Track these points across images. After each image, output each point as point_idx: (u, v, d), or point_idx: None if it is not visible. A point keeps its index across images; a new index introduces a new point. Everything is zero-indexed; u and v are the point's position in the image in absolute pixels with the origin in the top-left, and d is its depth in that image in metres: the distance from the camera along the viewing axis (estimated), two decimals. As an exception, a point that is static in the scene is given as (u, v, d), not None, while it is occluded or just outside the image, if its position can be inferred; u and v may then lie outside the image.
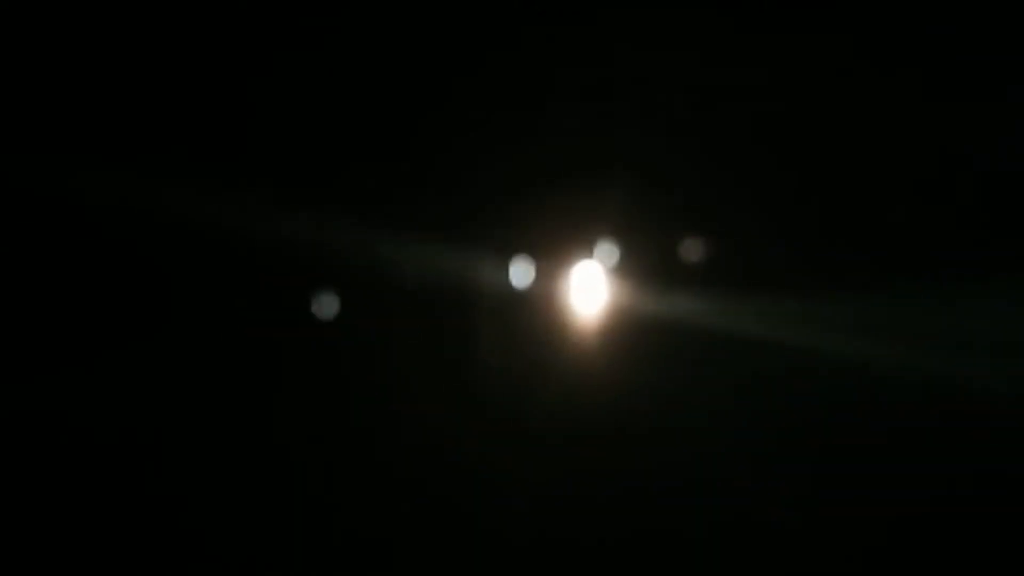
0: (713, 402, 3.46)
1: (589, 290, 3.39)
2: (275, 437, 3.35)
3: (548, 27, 3.17)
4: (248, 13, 3.08)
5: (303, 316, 3.39)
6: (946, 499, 2.80)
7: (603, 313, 3.35)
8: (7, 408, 3.15)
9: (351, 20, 3.13)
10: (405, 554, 2.88)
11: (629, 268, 3.32)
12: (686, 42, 3.14)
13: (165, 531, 2.92)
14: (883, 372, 3.57)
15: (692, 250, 3.37)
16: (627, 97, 3.15)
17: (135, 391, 3.33)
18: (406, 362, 3.33)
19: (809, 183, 3.27)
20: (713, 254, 3.37)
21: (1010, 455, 2.94)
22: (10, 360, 3.09)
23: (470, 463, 3.21)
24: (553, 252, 3.29)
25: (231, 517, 2.94)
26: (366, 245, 3.29)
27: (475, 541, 2.90)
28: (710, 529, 2.83)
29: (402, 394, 3.46)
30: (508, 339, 3.40)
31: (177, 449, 3.25)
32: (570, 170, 3.23)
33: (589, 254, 3.34)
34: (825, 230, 3.35)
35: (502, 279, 3.32)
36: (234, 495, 3.04)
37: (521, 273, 3.31)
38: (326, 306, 3.41)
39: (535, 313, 3.37)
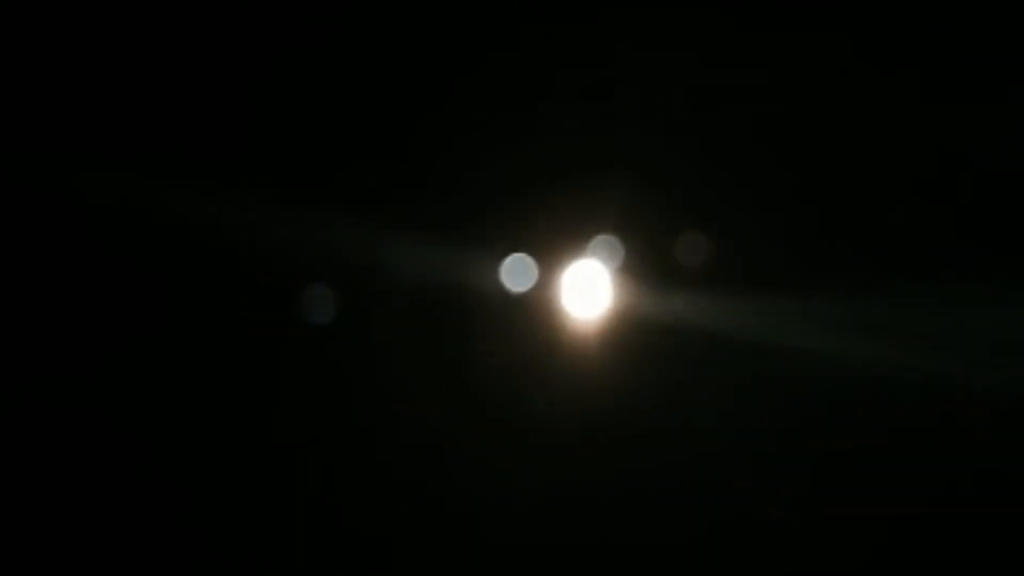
0: (712, 402, 3.46)
1: (588, 290, 3.39)
2: (274, 437, 3.35)
3: (548, 27, 3.16)
4: (246, 13, 3.08)
5: (302, 316, 3.39)
6: (945, 499, 2.81)
7: (602, 313, 3.35)
8: (6, 408, 3.15)
9: (350, 20, 3.13)
10: (404, 555, 2.88)
11: (628, 268, 3.32)
12: (686, 42, 3.14)
13: (165, 531, 2.92)
14: (883, 372, 3.57)
15: (691, 250, 3.37)
16: (627, 97, 3.15)
17: (135, 391, 3.32)
18: (405, 362, 3.33)
19: (808, 183, 3.27)
20: (713, 254, 3.36)
21: (1010, 455, 2.94)
22: (9, 360, 3.09)
23: (469, 464, 3.21)
24: (552, 252, 3.29)
25: (231, 517, 2.94)
26: (365, 245, 3.29)
27: (474, 542, 2.90)
28: (710, 530, 2.83)
29: (401, 394, 3.46)
30: (507, 339, 3.40)
31: (177, 449, 3.25)
32: (569, 170, 3.23)
33: (588, 254, 3.34)
34: (824, 230, 3.35)
35: (501, 279, 3.32)
36: (234, 495, 3.04)
37: (520, 273, 3.31)
38: (324, 306, 3.41)
39: (535, 313, 3.36)
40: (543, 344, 3.35)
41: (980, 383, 3.16)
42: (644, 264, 3.33)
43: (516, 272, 3.30)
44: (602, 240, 3.31)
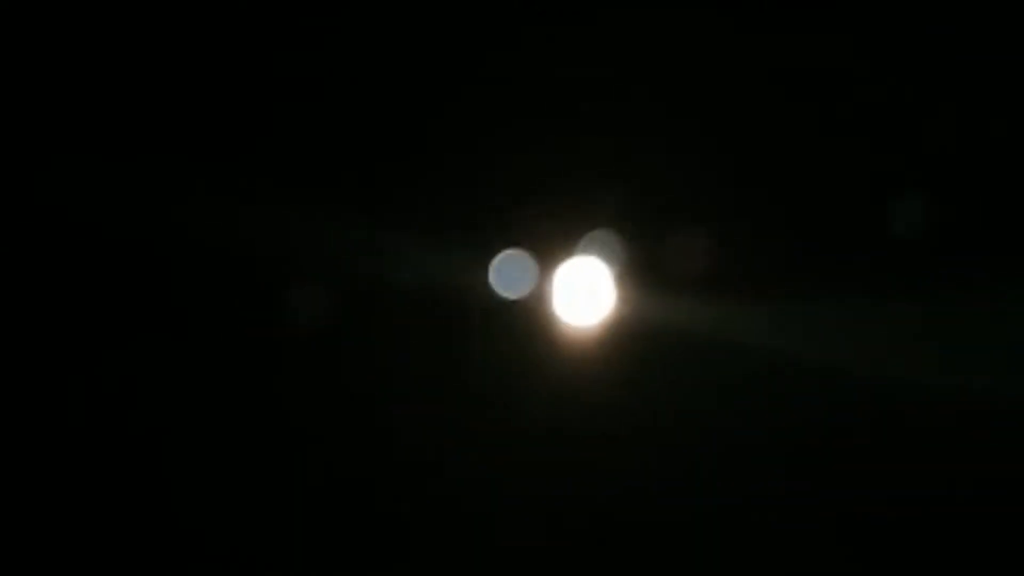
0: (707, 406, 3.46)
1: (584, 293, 3.39)
2: (269, 437, 3.35)
3: (546, 27, 3.16)
4: (241, 12, 3.08)
5: (297, 316, 3.38)
6: (943, 500, 2.81)
7: (598, 316, 3.35)
8: (5, 407, 3.15)
9: (346, 22, 3.13)
10: (399, 554, 2.88)
11: (625, 271, 3.32)
12: (685, 42, 3.14)
13: (163, 531, 2.92)
14: (880, 376, 3.57)
15: (688, 254, 3.37)
16: (623, 99, 3.15)
17: (134, 391, 3.32)
18: (400, 363, 3.33)
19: (805, 186, 3.27)
20: (710, 258, 3.36)
21: (1007, 458, 2.94)
22: (8, 360, 3.09)
23: (463, 465, 3.21)
24: (549, 255, 3.28)
25: (230, 517, 2.94)
26: (359, 246, 3.29)
27: (468, 543, 2.90)
28: (705, 532, 2.83)
29: (396, 395, 3.46)
30: (503, 341, 3.40)
31: (175, 450, 3.25)
32: (565, 173, 3.23)
33: (584, 257, 3.33)
34: (821, 234, 3.35)
35: (497, 281, 3.32)
36: (232, 495, 3.03)
37: (517, 275, 3.31)
38: (320, 306, 3.41)
39: (531, 315, 3.36)
40: (539, 346, 3.35)
41: (976, 386, 3.16)
42: (641, 267, 3.33)
43: (512, 274, 3.30)
44: (598, 243, 3.31)
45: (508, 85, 3.12)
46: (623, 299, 3.34)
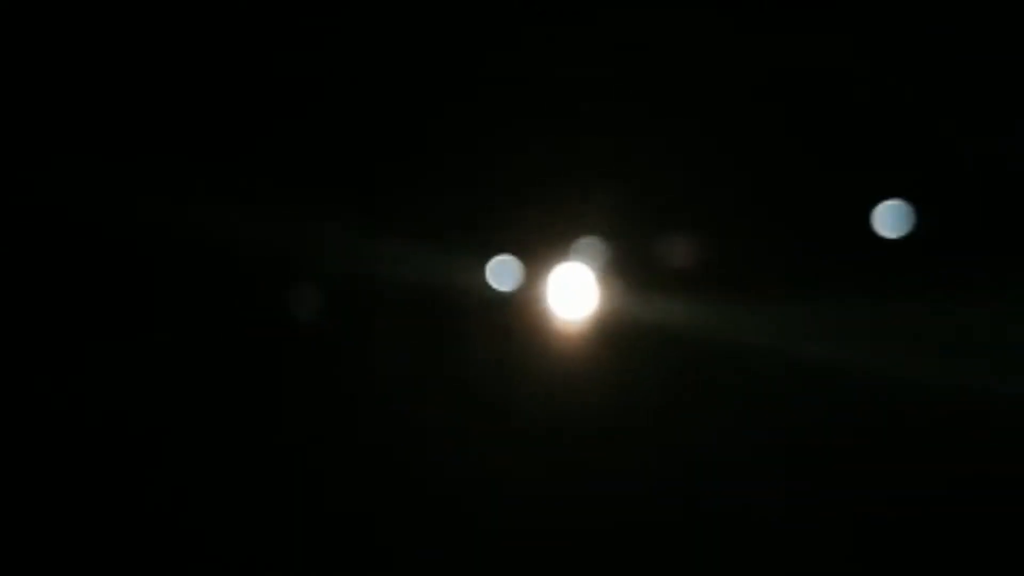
0: (698, 405, 3.46)
1: (575, 293, 3.39)
2: (264, 437, 3.34)
3: (540, 27, 3.16)
4: (234, 13, 3.08)
5: (290, 316, 3.38)
6: (940, 501, 2.81)
7: (589, 316, 3.35)
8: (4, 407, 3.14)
9: (339, 21, 3.12)
10: (392, 552, 2.87)
11: (615, 271, 3.31)
12: (678, 42, 3.14)
13: (156, 530, 2.91)
14: (871, 375, 3.57)
15: (679, 253, 3.37)
16: (615, 99, 3.15)
17: (131, 391, 3.31)
18: (391, 363, 3.33)
19: (798, 186, 3.27)
20: (701, 258, 3.36)
21: (1005, 457, 2.94)
22: (6, 360, 3.08)
23: (456, 464, 3.20)
24: (539, 254, 3.28)
25: (226, 517, 2.93)
26: (352, 246, 3.29)
27: (460, 540, 2.89)
28: (696, 531, 2.82)
29: (387, 395, 3.45)
30: (494, 341, 3.40)
31: (171, 449, 3.24)
32: (556, 172, 3.23)
33: (575, 257, 3.33)
34: (815, 234, 3.35)
35: (488, 281, 3.32)
36: (229, 494, 3.03)
37: (507, 275, 3.30)
38: (313, 306, 3.41)
39: (521, 315, 3.36)
40: (530, 345, 3.35)
41: (976, 386, 3.17)
42: (631, 267, 3.33)
43: (503, 273, 3.30)
44: (589, 242, 3.31)
45: (504, 86, 3.12)
46: (613, 299, 3.35)
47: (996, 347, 3.27)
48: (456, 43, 3.10)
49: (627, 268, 3.32)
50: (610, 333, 3.33)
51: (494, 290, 3.32)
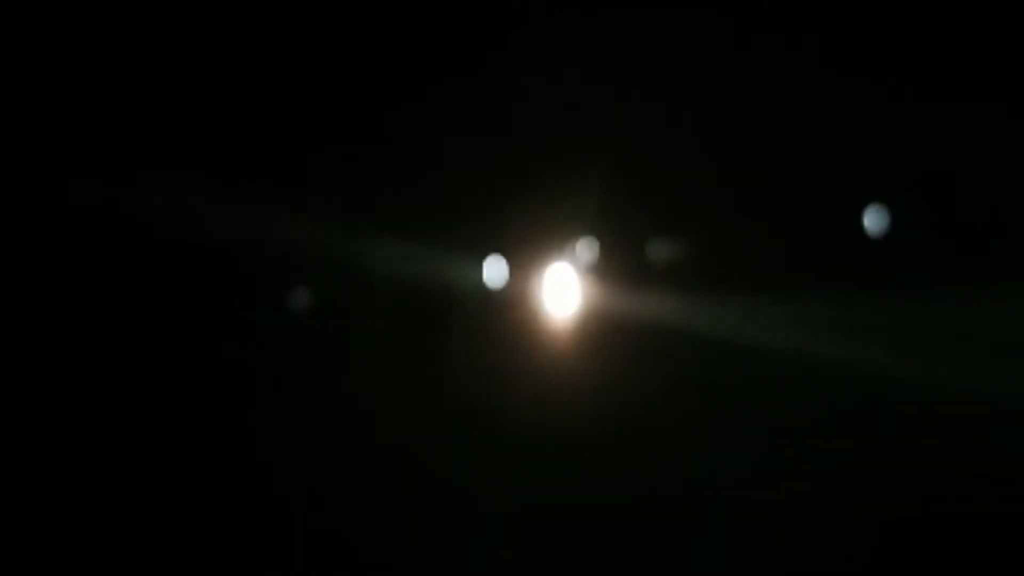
0: (691, 404, 3.45)
1: (564, 290, 3.39)
2: (248, 436, 3.33)
3: (530, 26, 3.16)
4: (226, 14, 3.07)
5: (278, 315, 3.37)
6: (935, 501, 2.81)
7: (579, 314, 3.35)
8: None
9: (331, 21, 3.12)
10: (379, 554, 2.85)
11: (606, 268, 3.31)
12: (671, 41, 3.14)
13: (141, 529, 2.88)
14: (861, 374, 3.58)
15: (670, 251, 3.36)
16: (605, 96, 3.15)
17: (115, 389, 3.30)
18: (380, 362, 3.32)
19: (790, 182, 3.27)
20: (693, 254, 3.36)
21: (1007, 458, 2.95)
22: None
23: (443, 463, 3.19)
24: (529, 252, 3.28)
25: (206, 517, 2.90)
26: (340, 244, 3.28)
27: (448, 541, 2.88)
28: (687, 530, 2.81)
29: (376, 393, 3.44)
30: (484, 339, 3.39)
31: (156, 447, 3.22)
32: (546, 170, 3.22)
33: (565, 254, 3.33)
34: (808, 230, 3.35)
35: (477, 279, 3.32)
36: (209, 494, 3.00)
37: (496, 273, 3.30)
38: (301, 304, 3.40)
39: (510, 313, 3.36)
40: (520, 343, 3.35)
41: (976, 386, 3.17)
42: (621, 264, 3.32)
43: (491, 272, 3.29)
44: (580, 240, 3.31)
45: (489, 86, 3.12)
46: (604, 296, 3.34)
47: (992, 347, 3.28)
48: (452, 45, 3.10)
49: (617, 267, 3.31)
50: (600, 332, 3.33)
51: (484, 288, 3.32)
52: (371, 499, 3.02)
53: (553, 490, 2.99)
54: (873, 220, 3.28)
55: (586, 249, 3.37)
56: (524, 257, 3.35)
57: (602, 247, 3.35)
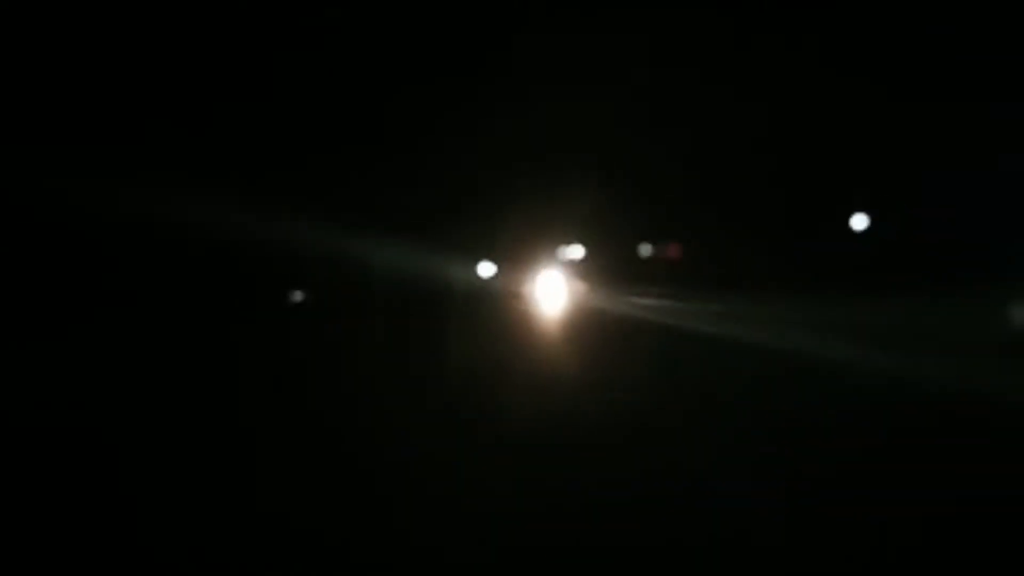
0: (685, 403, 3.45)
1: (556, 290, 3.39)
2: (247, 436, 3.31)
3: (528, 32, 3.17)
4: (219, 15, 3.07)
5: (274, 311, 3.36)
6: (936, 501, 2.80)
7: (571, 313, 3.35)
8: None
9: (325, 21, 3.12)
10: (372, 549, 2.84)
11: (599, 268, 3.31)
12: (667, 45, 3.15)
13: (131, 520, 2.87)
14: (853, 373, 3.57)
15: (663, 251, 3.37)
16: (599, 100, 3.15)
17: (114, 389, 3.28)
18: (373, 358, 3.31)
19: (784, 185, 3.27)
20: (689, 256, 3.36)
21: (1007, 458, 2.95)
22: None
23: (434, 458, 3.19)
24: (522, 253, 3.28)
25: (206, 517, 2.89)
26: (335, 242, 3.28)
27: (441, 534, 2.87)
28: (679, 528, 2.81)
29: (368, 389, 3.43)
30: (475, 336, 3.39)
31: (156, 447, 3.21)
32: (539, 172, 3.23)
33: (559, 254, 3.33)
34: (803, 230, 3.35)
35: (470, 278, 3.33)
36: (208, 493, 2.99)
37: (489, 273, 3.30)
38: (294, 301, 3.40)
39: (502, 311, 3.36)
40: (510, 341, 3.34)
41: (976, 386, 3.17)
42: (613, 264, 3.32)
43: (484, 272, 3.30)
44: (572, 241, 3.31)
45: (483, 89, 3.12)
46: (595, 296, 3.34)
47: (992, 347, 3.28)
48: (444, 48, 3.10)
49: (610, 266, 3.31)
50: (592, 330, 3.33)
51: (476, 287, 3.32)
52: (363, 493, 3.02)
53: (547, 488, 2.98)
54: (868, 222, 3.29)
55: (578, 252, 3.38)
56: (519, 257, 3.36)
57: (597, 249, 3.36)
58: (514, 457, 3.17)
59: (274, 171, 3.29)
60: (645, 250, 3.52)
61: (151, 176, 3.12)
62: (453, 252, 3.42)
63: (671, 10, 3.08)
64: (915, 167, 3.23)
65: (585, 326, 3.65)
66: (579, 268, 3.51)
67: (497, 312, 3.56)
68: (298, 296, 3.40)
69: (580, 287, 3.56)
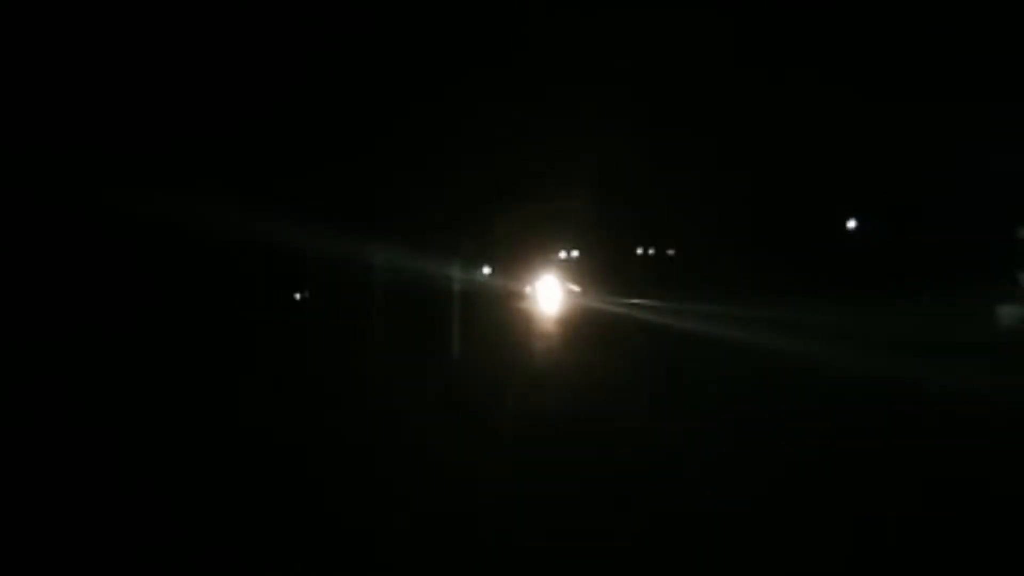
0: (680, 401, 3.47)
1: (553, 292, 3.44)
2: (248, 436, 3.31)
3: (526, 33, 3.19)
4: (215, 17, 3.08)
5: (277, 313, 3.37)
6: (935, 501, 2.82)
7: (567, 313, 3.38)
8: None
9: (323, 22, 3.14)
10: (370, 546, 2.85)
11: (594, 268, 3.34)
12: (665, 50, 3.17)
13: (133, 513, 2.86)
14: (843, 372, 3.60)
15: (657, 253, 3.41)
16: (594, 103, 3.18)
17: (113, 388, 3.27)
18: (372, 358, 3.32)
19: (777, 186, 3.30)
20: (680, 257, 3.39)
21: (1007, 458, 2.96)
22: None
23: (433, 457, 3.20)
24: (518, 255, 3.31)
25: (205, 517, 2.88)
26: (335, 246, 3.30)
27: (439, 531, 2.88)
28: (672, 526, 2.82)
29: (369, 389, 3.44)
30: (475, 336, 3.40)
31: (155, 447, 3.20)
32: (535, 175, 3.26)
33: (555, 257, 3.37)
34: (799, 232, 3.37)
35: (468, 279, 3.38)
36: (208, 493, 2.98)
37: (486, 274, 3.36)
38: (299, 302, 3.42)
39: (501, 312, 3.38)
40: (508, 343, 3.35)
41: (976, 386, 3.19)
42: (609, 265, 3.35)
43: (481, 274, 3.35)
44: (570, 247, 3.35)
45: (481, 93, 3.13)
46: (591, 297, 3.37)
47: (990, 347, 3.30)
48: (444, 51, 3.10)
49: (605, 266, 3.34)
50: (588, 330, 3.34)
51: (475, 288, 3.36)
52: (360, 490, 3.01)
53: (541, 486, 2.99)
54: (864, 224, 3.32)
55: (573, 255, 3.43)
56: (516, 260, 3.40)
57: (593, 252, 3.40)
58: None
59: (284, 179, 3.31)
60: (639, 253, 3.57)
61: (168, 181, 3.15)
62: (453, 254, 3.47)
63: (670, 10, 3.10)
64: (911, 168, 3.24)
65: (577, 323, 3.70)
66: (574, 270, 3.56)
67: (495, 311, 3.59)
68: (302, 295, 3.44)
69: (574, 288, 3.60)
